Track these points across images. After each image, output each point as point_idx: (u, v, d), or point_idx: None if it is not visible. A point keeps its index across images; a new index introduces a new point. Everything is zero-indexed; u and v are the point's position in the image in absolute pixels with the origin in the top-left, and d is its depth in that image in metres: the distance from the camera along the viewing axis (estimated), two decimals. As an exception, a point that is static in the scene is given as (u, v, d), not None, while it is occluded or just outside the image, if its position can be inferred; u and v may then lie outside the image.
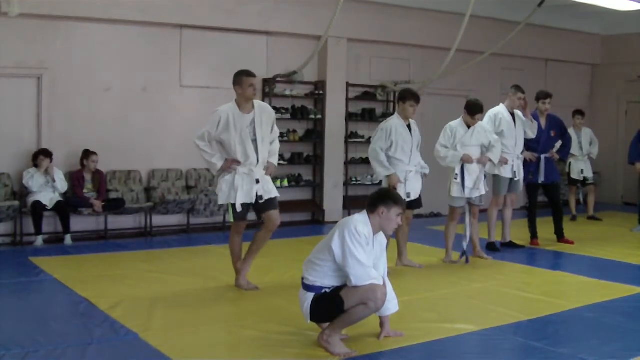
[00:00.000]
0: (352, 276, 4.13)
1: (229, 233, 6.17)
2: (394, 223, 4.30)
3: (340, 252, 4.15)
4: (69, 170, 8.43)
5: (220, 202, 5.80)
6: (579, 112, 10.60)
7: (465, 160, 6.85)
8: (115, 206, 8.39)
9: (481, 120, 7.20)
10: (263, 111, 5.80)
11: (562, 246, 8.17)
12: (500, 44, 9.78)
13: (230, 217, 5.81)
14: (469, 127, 7.05)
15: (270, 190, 5.84)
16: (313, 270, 4.29)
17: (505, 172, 7.63)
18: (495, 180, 7.70)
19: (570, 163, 10.48)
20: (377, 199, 4.31)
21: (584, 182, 10.54)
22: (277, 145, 5.97)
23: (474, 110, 7.01)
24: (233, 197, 5.68)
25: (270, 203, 5.81)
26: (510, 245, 7.97)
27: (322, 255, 4.27)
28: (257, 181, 5.73)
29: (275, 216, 5.81)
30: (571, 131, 10.28)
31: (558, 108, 9.39)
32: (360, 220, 4.24)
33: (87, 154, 8.33)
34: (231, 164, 5.66)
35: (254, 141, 5.69)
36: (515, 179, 7.75)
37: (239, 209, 5.68)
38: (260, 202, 5.76)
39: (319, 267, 4.26)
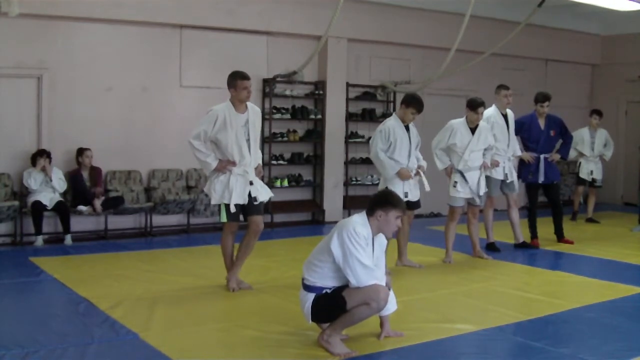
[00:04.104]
0: (354, 278, 4.12)
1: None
2: (393, 226, 4.28)
3: (340, 254, 4.14)
4: (69, 170, 8.43)
5: (214, 202, 5.80)
6: (596, 112, 10.36)
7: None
8: (114, 204, 8.39)
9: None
10: (255, 113, 5.86)
11: (562, 246, 8.17)
12: (500, 44, 9.77)
13: (222, 218, 5.78)
14: (472, 129, 7.04)
15: (263, 193, 5.88)
16: (313, 272, 4.28)
17: (497, 174, 7.61)
18: (487, 182, 7.68)
19: (580, 162, 10.32)
20: (375, 202, 4.29)
21: (592, 183, 10.34)
22: (259, 152, 6.00)
23: (475, 104, 7.00)
24: (227, 197, 5.69)
25: (258, 207, 5.84)
26: (524, 245, 7.96)
27: (321, 256, 4.26)
28: (251, 183, 5.76)
29: (259, 220, 5.84)
30: (585, 130, 10.19)
31: (558, 108, 9.38)
32: (359, 222, 4.23)
33: (80, 151, 8.35)
34: (227, 164, 5.67)
35: (248, 141, 5.73)
36: (508, 181, 7.74)
37: (233, 209, 5.69)
38: (255, 203, 5.78)
39: (319, 269, 4.26)
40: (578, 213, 10.45)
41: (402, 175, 6.55)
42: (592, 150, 10.25)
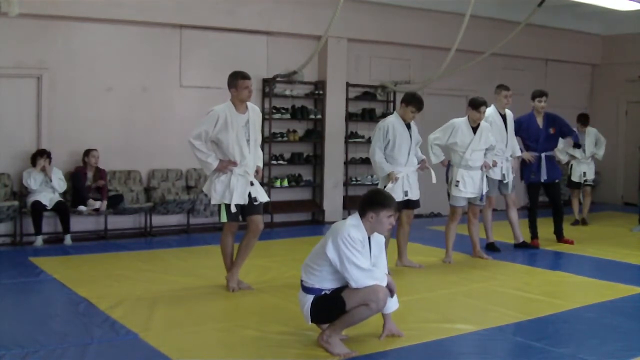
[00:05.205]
0: (352, 281, 4.13)
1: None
2: (385, 225, 4.26)
3: (337, 259, 4.14)
4: (69, 171, 8.43)
5: (214, 202, 5.79)
6: (580, 120, 10.13)
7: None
8: (114, 203, 8.38)
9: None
10: (255, 113, 5.86)
11: (562, 246, 8.17)
12: (500, 44, 9.77)
13: (223, 218, 5.77)
14: (474, 128, 7.03)
15: (262, 194, 5.90)
16: (311, 275, 4.28)
17: (494, 174, 7.60)
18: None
19: (572, 165, 10.12)
20: (365, 203, 4.26)
21: (585, 184, 10.14)
22: (260, 152, 6.00)
23: (477, 103, 6.99)
24: (228, 197, 5.69)
25: (258, 207, 5.85)
26: (524, 245, 7.95)
27: (318, 260, 4.26)
28: (252, 183, 5.77)
29: (259, 220, 5.86)
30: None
31: (558, 108, 9.38)
32: (353, 225, 4.22)
33: (87, 152, 8.37)
34: (228, 164, 5.67)
35: (248, 141, 5.73)
36: (505, 181, 7.73)
37: (233, 209, 5.69)
38: (255, 203, 5.79)
39: (317, 272, 4.26)
40: (579, 222, 10.08)
41: (392, 178, 6.50)
42: (583, 152, 10.03)
